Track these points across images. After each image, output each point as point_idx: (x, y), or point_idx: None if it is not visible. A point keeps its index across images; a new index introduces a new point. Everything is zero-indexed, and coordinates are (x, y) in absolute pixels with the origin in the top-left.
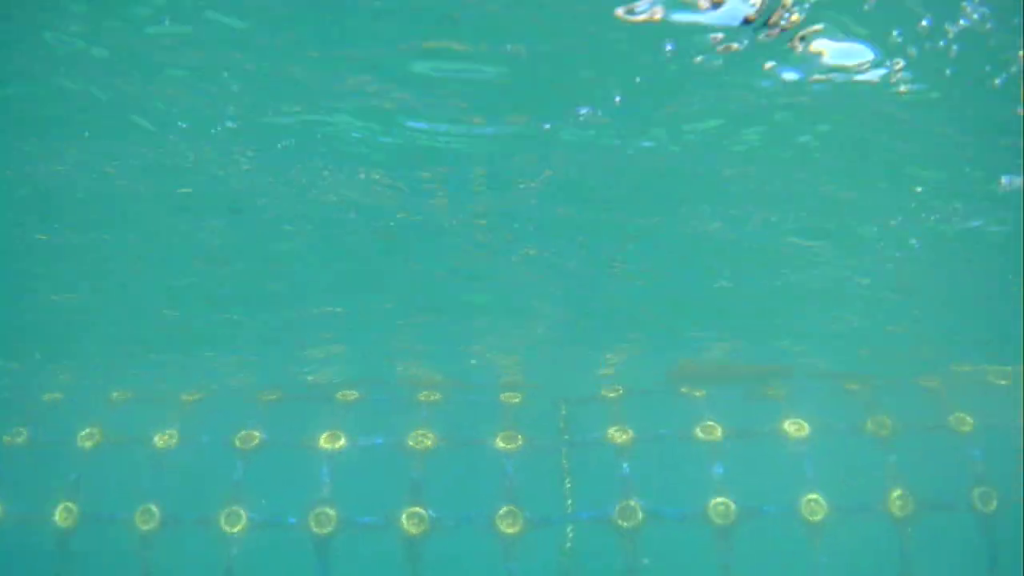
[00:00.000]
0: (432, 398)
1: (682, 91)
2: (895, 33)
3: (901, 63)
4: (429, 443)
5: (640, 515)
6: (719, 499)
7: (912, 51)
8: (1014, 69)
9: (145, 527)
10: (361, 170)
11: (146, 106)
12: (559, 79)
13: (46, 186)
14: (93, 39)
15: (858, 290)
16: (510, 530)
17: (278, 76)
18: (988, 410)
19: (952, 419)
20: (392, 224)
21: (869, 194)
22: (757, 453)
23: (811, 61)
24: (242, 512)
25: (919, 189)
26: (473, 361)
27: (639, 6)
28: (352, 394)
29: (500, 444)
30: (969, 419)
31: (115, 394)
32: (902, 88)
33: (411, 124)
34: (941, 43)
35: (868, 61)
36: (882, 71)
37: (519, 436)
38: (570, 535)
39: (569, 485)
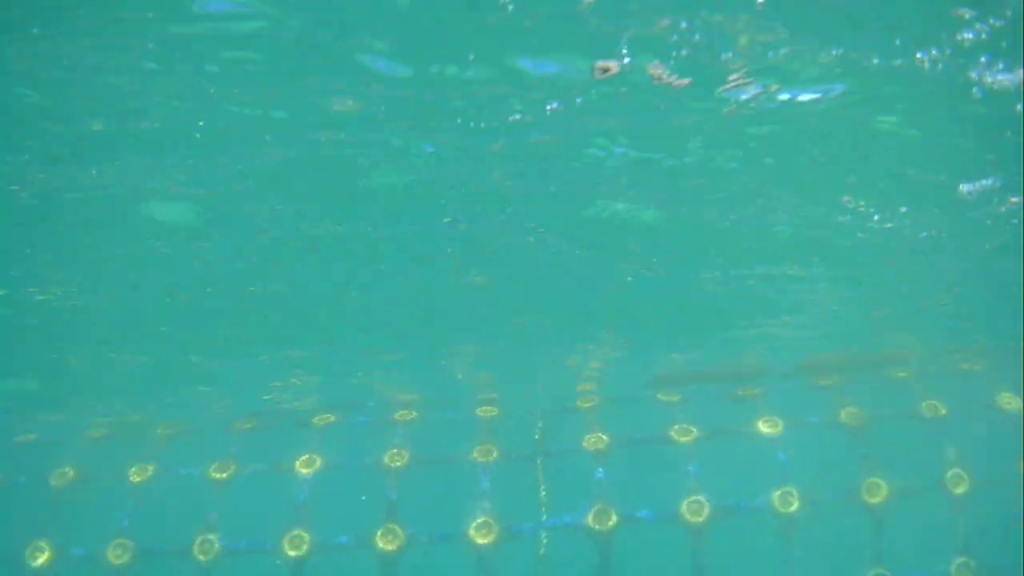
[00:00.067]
0: (408, 417)
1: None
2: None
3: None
4: (402, 462)
5: (614, 519)
6: (693, 498)
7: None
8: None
9: (118, 561)
10: None
11: None
12: None
13: None
14: None
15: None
16: (484, 540)
17: None
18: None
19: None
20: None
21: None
22: (734, 451)
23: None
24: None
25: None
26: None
27: None
28: (329, 417)
29: (477, 457)
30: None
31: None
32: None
33: None
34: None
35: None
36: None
37: (494, 449)
38: (544, 542)
39: (544, 494)
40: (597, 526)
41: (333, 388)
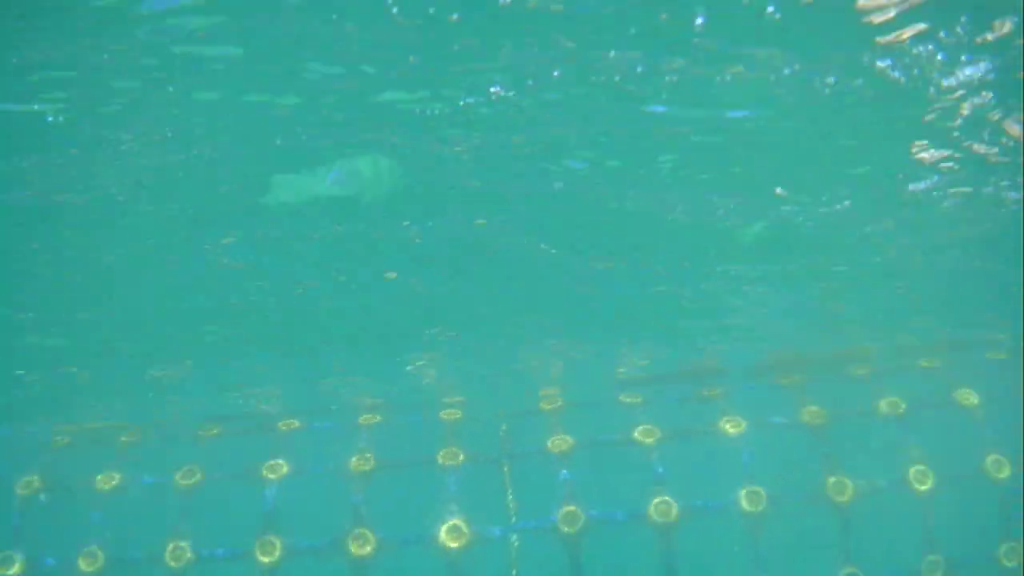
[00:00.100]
0: (373, 420)
1: None
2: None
3: None
4: (370, 466)
5: (582, 520)
6: (661, 498)
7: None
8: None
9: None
10: None
11: None
12: None
13: None
14: None
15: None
16: (454, 544)
17: None
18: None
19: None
20: None
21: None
22: (699, 451)
23: None
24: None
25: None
26: (425, 380)
27: None
28: (293, 423)
29: (442, 460)
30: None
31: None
32: None
33: None
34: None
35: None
36: None
37: (460, 452)
38: (515, 544)
39: (511, 496)
40: (566, 528)
41: (298, 394)
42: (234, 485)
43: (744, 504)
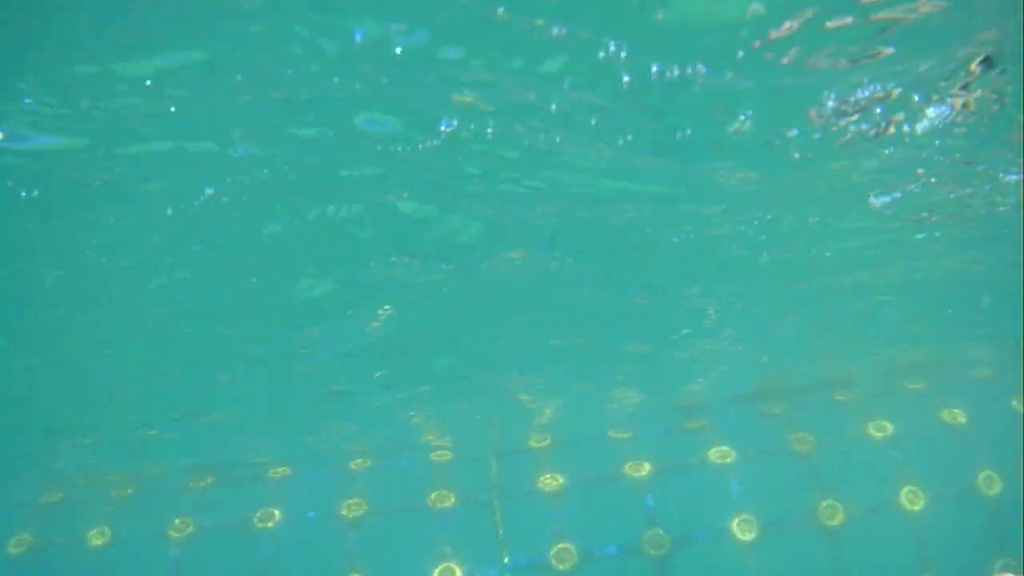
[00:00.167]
0: (364, 465)
1: None
2: None
3: None
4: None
5: (575, 556)
6: (654, 530)
7: None
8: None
9: None
10: None
11: None
12: None
13: None
14: None
15: None
16: None
17: None
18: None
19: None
20: None
21: None
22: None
23: None
24: None
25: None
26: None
27: None
28: (284, 470)
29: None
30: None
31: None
32: None
33: None
34: None
35: None
36: None
37: (452, 495)
38: None
39: (502, 534)
40: (560, 565)
41: (288, 442)
42: (226, 535)
43: (736, 533)
